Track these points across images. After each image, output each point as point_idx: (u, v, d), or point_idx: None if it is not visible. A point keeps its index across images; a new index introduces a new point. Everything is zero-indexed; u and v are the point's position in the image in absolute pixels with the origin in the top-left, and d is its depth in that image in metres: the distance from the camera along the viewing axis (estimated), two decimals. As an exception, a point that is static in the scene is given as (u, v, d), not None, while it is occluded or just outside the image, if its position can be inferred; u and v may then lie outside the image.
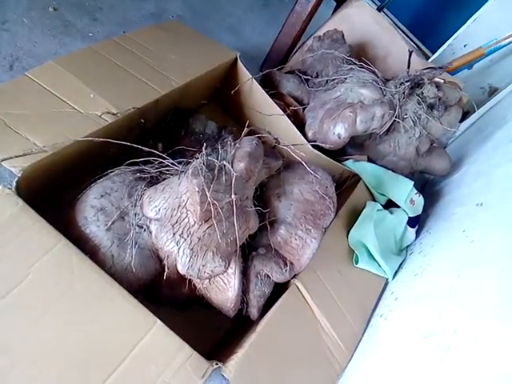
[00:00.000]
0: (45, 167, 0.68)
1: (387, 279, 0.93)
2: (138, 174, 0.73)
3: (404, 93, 0.94)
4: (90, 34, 1.20)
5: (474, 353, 0.54)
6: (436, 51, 1.71)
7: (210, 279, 0.66)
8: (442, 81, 0.97)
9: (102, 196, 0.69)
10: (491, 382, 0.49)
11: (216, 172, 0.60)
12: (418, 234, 1.02)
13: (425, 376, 0.60)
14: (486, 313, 0.59)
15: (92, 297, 0.60)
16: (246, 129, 0.68)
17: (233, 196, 0.58)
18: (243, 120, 1.07)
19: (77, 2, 1.26)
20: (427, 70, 0.95)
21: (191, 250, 0.60)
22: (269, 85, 1.13)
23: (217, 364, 0.63)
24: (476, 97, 1.44)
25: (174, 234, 0.62)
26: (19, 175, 0.64)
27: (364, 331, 0.84)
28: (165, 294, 0.73)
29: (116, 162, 0.77)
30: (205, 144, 0.65)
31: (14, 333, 0.55)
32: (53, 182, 0.75)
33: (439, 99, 0.97)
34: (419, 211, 1.02)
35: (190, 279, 0.68)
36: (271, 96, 1.04)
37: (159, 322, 0.62)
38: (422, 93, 0.96)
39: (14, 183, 0.63)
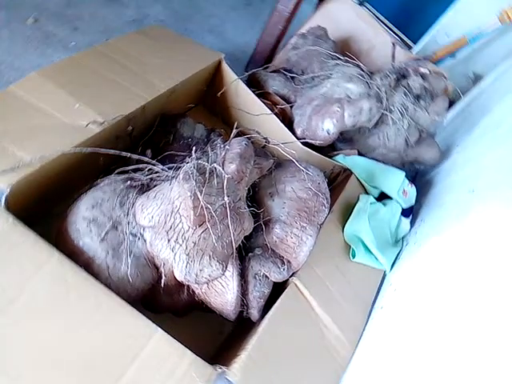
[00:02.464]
0: (33, 181, 0.67)
1: (385, 271, 0.93)
2: (129, 182, 0.72)
3: (390, 85, 0.94)
4: (72, 44, 1.19)
5: (478, 339, 0.54)
6: (419, 42, 1.72)
7: (208, 283, 0.65)
8: (427, 71, 0.97)
9: (93, 207, 0.68)
10: (497, 369, 0.49)
11: (207, 175, 0.59)
12: (412, 224, 1.03)
13: (428, 365, 0.60)
14: (484, 297, 0.59)
15: (90, 310, 0.59)
16: (234, 130, 0.68)
17: (225, 198, 0.58)
18: (231, 121, 1.07)
19: (57, 12, 1.25)
20: (412, 62, 0.95)
21: (187, 255, 0.60)
22: (255, 85, 1.13)
23: (221, 368, 0.62)
24: (461, 85, 1.45)
25: (168, 240, 0.61)
26: (8, 191, 0.63)
27: (365, 324, 0.84)
28: (164, 302, 0.73)
29: (106, 171, 0.76)
30: (194, 148, 0.65)
31: (12, 351, 0.54)
32: (43, 195, 0.74)
33: (425, 89, 0.97)
34: (412, 201, 1.03)
35: (188, 285, 0.67)
36: (258, 96, 1.04)
37: (160, 329, 0.61)
38: (408, 84, 0.96)
39: (3, 199, 0.62)
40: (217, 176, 0.61)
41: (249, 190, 0.70)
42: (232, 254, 0.65)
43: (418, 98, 0.98)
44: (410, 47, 1.79)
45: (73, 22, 1.25)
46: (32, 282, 0.58)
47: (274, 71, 1.19)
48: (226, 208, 0.60)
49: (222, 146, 0.64)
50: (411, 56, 1.01)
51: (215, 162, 0.62)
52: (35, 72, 0.81)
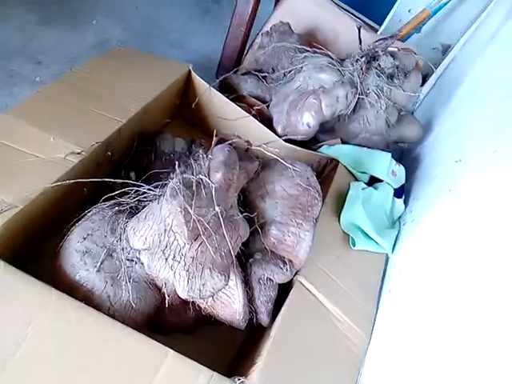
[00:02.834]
0: (19, 223, 0.66)
1: (387, 254, 0.92)
2: (117, 208, 0.70)
3: (362, 69, 0.94)
4: (38, 79, 1.17)
5: (490, 307, 0.54)
6: (382, 22, 1.73)
7: (213, 296, 0.64)
8: (396, 49, 0.98)
9: (84, 238, 0.67)
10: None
11: (194, 188, 0.58)
12: (406, 202, 1.02)
13: (446, 341, 0.59)
14: (486, 261, 0.59)
15: (98, 343, 0.58)
16: (214, 138, 0.67)
17: (216, 208, 0.57)
18: (210, 130, 1.05)
19: (16, 49, 1.23)
20: (379, 42, 0.95)
21: (187, 271, 0.59)
22: (228, 90, 1.12)
23: (239, 379, 0.61)
24: (431, 58, 1.46)
25: (166, 259, 0.60)
26: (-5, 238, 0.61)
27: (376, 310, 0.83)
28: (171, 322, 0.71)
29: (92, 200, 0.74)
30: (177, 163, 0.63)
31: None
32: (31, 234, 0.72)
33: (397, 68, 0.97)
34: (402, 181, 1.02)
35: (193, 301, 0.66)
36: (233, 100, 1.03)
37: (171, 351, 0.60)
38: (379, 65, 0.96)
39: (-9, 246, 0.61)
40: (204, 187, 0.60)
41: (239, 195, 0.69)
42: (232, 262, 0.64)
43: (391, 77, 0.98)
44: (375, 29, 1.79)
45: (35, 57, 1.24)
46: (34, 325, 0.56)
47: (244, 74, 1.18)
48: (218, 218, 0.59)
49: (205, 155, 0.63)
50: (378, 37, 1.01)
51: (200, 173, 0.61)
52: (4, 113, 0.80)
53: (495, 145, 0.76)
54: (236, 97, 1.08)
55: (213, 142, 0.68)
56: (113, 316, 0.62)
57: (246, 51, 1.33)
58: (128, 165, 0.88)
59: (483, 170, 0.76)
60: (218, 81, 1.12)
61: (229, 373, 0.62)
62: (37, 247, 0.76)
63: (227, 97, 1.04)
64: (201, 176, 0.58)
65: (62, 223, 0.72)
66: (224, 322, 0.70)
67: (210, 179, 0.60)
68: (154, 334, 0.62)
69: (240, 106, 1.01)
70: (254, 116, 0.99)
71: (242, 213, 0.68)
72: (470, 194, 0.75)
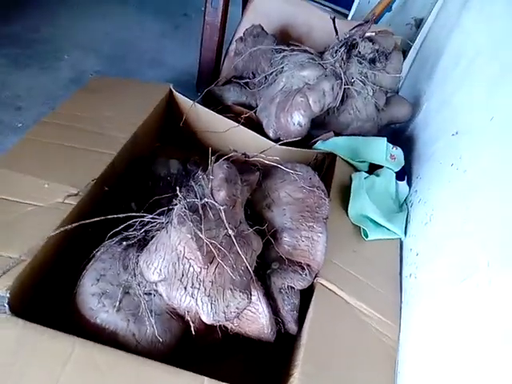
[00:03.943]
0: (30, 275, 0.64)
1: (400, 239, 0.92)
2: (125, 243, 0.69)
3: (343, 59, 0.93)
4: (20, 125, 1.16)
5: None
6: (351, 7, 1.73)
7: (238, 316, 0.63)
8: (373, 33, 0.97)
9: (98, 280, 0.65)
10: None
11: (201, 211, 0.57)
12: (409, 184, 1.02)
13: (475, 319, 0.58)
14: (506, 236, 0.58)
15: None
16: (210, 156, 0.66)
17: (229, 231, 0.56)
18: (202, 146, 1.05)
19: (-8, 98, 1.22)
20: (355, 29, 0.94)
21: (208, 296, 0.57)
22: (212, 102, 1.11)
23: (279, 394, 0.60)
24: (406, 34, 1.46)
25: (185, 288, 0.59)
26: (8, 295, 0.60)
27: (401, 297, 0.82)
28: (200, 348, 0.70)
29: (98, 239, 0.73)
30: (178, 188, 0.62)
31: None
32: (43, 284, 0.71)
33: (377, 51, 0.96)
34: (402, 163, 1.02)
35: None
36: (219, 112, 1.02)
37: (206, 378, 0.59)
38: (359, 52, 0.95)
39: (7, 305, 0.59)
40: (210, 208, 0.59)
41: (245, 209, 0.68)
42: (251, 278, 0.63)
43: (372, 61, 0.97)
44: (345, 15, 1.79)
45: (13, 103, 1.22)
46: (63, 378, 0.55)
47: (225, 83, 1.17)
48: (230, 237, 0.58)
49: (205, 176, 0.62)
50: (352, 24, 1.00)
51: (204, 195, 0.60)
52: (-8, 165, 0.78)
53: (490, 112, 0.76)
54: (222, 108, 1.07)
55: (209, 161, 0.67)
56: (141, 353, 0.61)
57: (222, 60, 1.32)
58: (127, 196, 0.87)
59: (483, 139, 0.75)
60: (200, 96, 1.10)
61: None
62: (50, 296, 0.74)
63: (213, 109, 1.03)
64: (206, 199, 0.57)
65: (73, 266, 0.71)
66: (253, 338, 0.69)
67: (214, 199, 0.59)
68: (186, 364, 0.60)
69: (227, 117, 1.00)
70: (243, 124, 0.98)
71: (251, 226, 0.67)
72: (473, 166, 0.75)
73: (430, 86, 1.17)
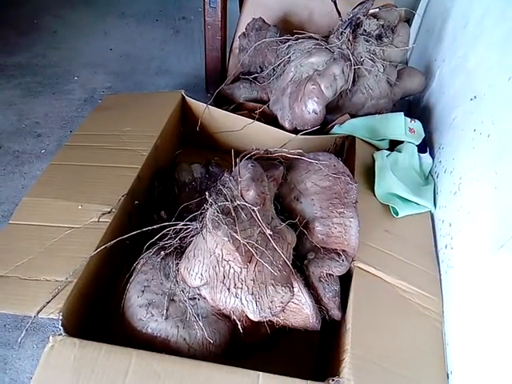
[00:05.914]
0: (78, 295, 0.67)
1: (431, 211, 0.91)
2: (162, 253, 0.71)
3: (349, 39, 0.93)
4: (43, 151, 1.19)
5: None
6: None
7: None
8: (377, 9, 0.96)
9: (142, 292, 0.68)
10: None
11: (233, 214, 0.58)
12: (432, 155, 1.01)
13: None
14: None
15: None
16: (233, 158, 0.67)
17: (266, 230, 0.56)
18: (222, 147, 1.07)
19: (12, 130, 1.25)
20: (358, 8, 0.93)
21: (252, 294, 0.59)
22: (224, 102, 1.12)
23: (333, 380, 0.61)
24: (408, 2, 1.43)
25: (228, 289, 0.60)
26: (61, 317, 0.62)
27: (439, 270, 0.82)
28: (249, 344, 0.72)
29: (135, 252, 0.75)
30: (207, 193, 0.64)
31: None
32: (91, 302, 0.73)
33: (383, 27, 0.95)
34: (422, 134, 1.01)
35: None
36: (233, 111, 1.03)
37: (261, 373, 0.60)
38: (365, 30, 0.94)
39: (61, 327, 0.62)
40: (242, 209, 0.60)
41: (275, 204, 0.69)
42: (290, 271, 0.64)
43: (379, 37, 0.96)
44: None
45: (32, 131, 1.25)
46: (125, 389, 0.58)
47: (234, 81, 1.17)
48: (265, 234, 0.59)
49: (232, 178, 0.63)
50: (354, 3, 0.99)
51: (233, 197, 0.61)
52: (26, 197, 0.81)
53: (507, 72, 0.74)
54: (235, 106, 1.08)
55: (232, 162, 0.68)
56: (194, 356, 0.63)
57: (227, 58, 1.33)
58: (156, 206, 0.89)
59: (503, 101, 0.74)
60: (212, 97, 1.11)
61: (317, 374, 0.62)
62: (99, 312, 0.77)
63: (226, 109, 1.04)
64: (237, 202, 0.58)
65: (113, 282, 0.74)
66: (299, 329, 0.70)
67: (244, 200, 0.60)
68: (237, 361, 0.62)
69: (241, 114, 1.01)
70: (258, 119, 0.99)
71: (282, 220, 0.68)
72: (497, 129, 0.73)
73: (439, 51, 1.15)
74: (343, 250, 0.71)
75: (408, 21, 1.36)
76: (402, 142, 0.99)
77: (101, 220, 0.75)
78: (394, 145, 1.00)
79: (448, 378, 0.69)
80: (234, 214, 0.58)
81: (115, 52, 1.62)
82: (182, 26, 1.79)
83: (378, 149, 0.98)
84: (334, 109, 1.02)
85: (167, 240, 0.73)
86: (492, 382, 0.58)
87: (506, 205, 0.65)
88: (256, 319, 0.59)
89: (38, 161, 1.16)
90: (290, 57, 1.00)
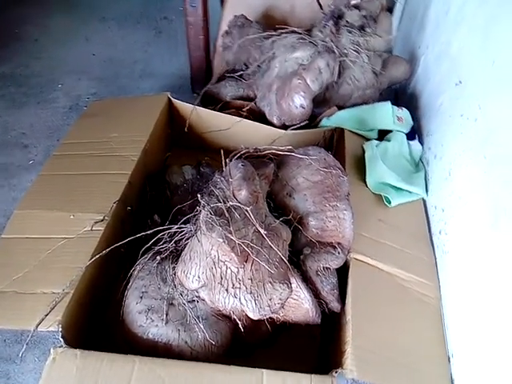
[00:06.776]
0: (75, 307, 0.67)
1: (423, 198, 0.92)
2: (158, 257, 0.71)
3: (332, 32, 0.93)
4: (31, 162, 1.18)
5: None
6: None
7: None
8: (358, 0, 0.96)
9: (141, 298, 0.67)
10: None
11: (227, 214, 0.58)
12: (421, 141, 1.01)
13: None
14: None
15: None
16: (223, 158, 0.67)
17: (261, 230, 0.57)
18: (212, 146, 1.06)
19: (-1, 140, 1.24)
20: (339, 0, 0.93)
21: (251, 293, 0.59)
22: (211, 102, 1.11)
23: (336, 372, 0.61)
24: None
25: (226, 290, 0.60)
26: (60, 329, 0.62)
27: (435, 256, 0.83)
28: (250, 342, 0.72)
29: (131, 258, 0.75)
30: (199, 195, 0.63)
31: None
32: (89, 312, 0.73)
33: (365, 17, 0.95)
34: (410, 122, 1.01)
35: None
36: (220, 110, 1.02)
37: (264, 370, 0.60)
38: (347, 21, 0.94)
39: (62, 339, 0.62)
40: (235, 209, 0.60)
41: (267, 201, 0.69)
42: (287, 267, 0.64)
43: (362, 28, 0.96)
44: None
45: (20, 142, 1.24)
46: (131, 398, 0.58)
47: (220, 80, 1.17)
48: (259, 233, 0.59)
49: (223, 178, 0.63)
50: (334, -6, 0.99)
51: (226, 198, 0.61)
52: (17, 209, 0.80)
53: (490, 56, 0.74)
54: (222, 105, 1.07)
55: (222, 162, 0.68)
56: (197, 359, 0.63)
57: (211, 57, 1.32)
58: (149, 211, 0.88)
59: (488, 85, 0.74)
60: (198, 98, 1.10)
61: (320, 367, 0.63)
62: (98, 321, 0.77)
63: (213, 108, 1.04)
64: (230, 203, 0.58)
65: (110, 290, 0.74)
66: (300, 324, 0.71)
67: (237, 200, 0.60)
68: (237, 360, 0.62)
69: (229, 113, 1.01)
70: (246, 117, 0.98)
71: (276, 217, 0.68)
72: (483, 113, 0.74)
73: (423, 38, 1.15)
74: (338, 243, 0.71)
75: (390, 9, 1.36)
76: (391, 131, 0.99)
77: (94, 228, 0.74)
78: (383, 134, 1.00)
79: (449, 361, 0.70)
80: (227, 214, 0.58)
81: (98, 57, 1.61)
82: (164, 27, 1.78)
83: (368, 139, 0.98)
84: (322, 102, 1.02)
85: (162, 244, 0.72)
86: (492, 361, 0.59)
87: (495, 185, 0.65)
88: (256, 318, 0.60)
89: (27, 172, 1.14)
90: (274, 52, 1.00)
